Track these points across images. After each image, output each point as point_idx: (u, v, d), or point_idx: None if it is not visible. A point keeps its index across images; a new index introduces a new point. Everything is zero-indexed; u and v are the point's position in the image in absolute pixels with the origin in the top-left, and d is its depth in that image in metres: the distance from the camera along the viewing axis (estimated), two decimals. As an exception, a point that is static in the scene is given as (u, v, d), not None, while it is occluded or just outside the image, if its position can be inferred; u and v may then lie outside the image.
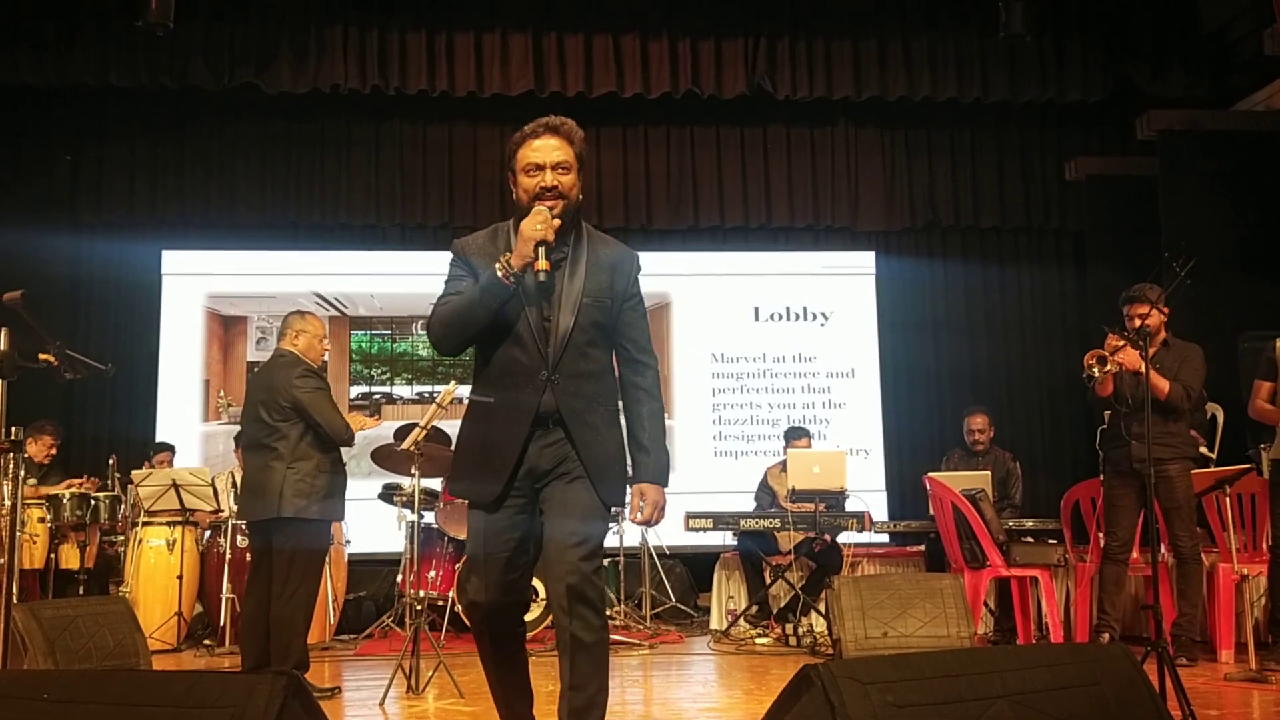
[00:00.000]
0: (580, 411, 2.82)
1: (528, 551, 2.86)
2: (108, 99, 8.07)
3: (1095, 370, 5.13)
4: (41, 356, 3.62)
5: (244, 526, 6.02)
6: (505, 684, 2.94)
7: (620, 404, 2.96)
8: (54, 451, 6.91)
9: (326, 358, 5.46)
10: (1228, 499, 5.56)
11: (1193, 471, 5.41)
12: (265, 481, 4.62)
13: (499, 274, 2.75)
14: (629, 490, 2.95)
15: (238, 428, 6.67)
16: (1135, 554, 5.65)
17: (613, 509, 2.86)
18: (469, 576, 2.91)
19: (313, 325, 4.94)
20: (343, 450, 4.84)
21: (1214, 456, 6.25)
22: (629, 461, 2.95)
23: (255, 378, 4.92)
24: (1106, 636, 5.29)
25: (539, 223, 2.74)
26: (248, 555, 5.54)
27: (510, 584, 2.83)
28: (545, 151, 2.89)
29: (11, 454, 3.51)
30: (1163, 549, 5.41)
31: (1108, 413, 5.58)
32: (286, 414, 4.66)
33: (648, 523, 2.94)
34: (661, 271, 8.82)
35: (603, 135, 8.73)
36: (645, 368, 2.96)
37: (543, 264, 2.73)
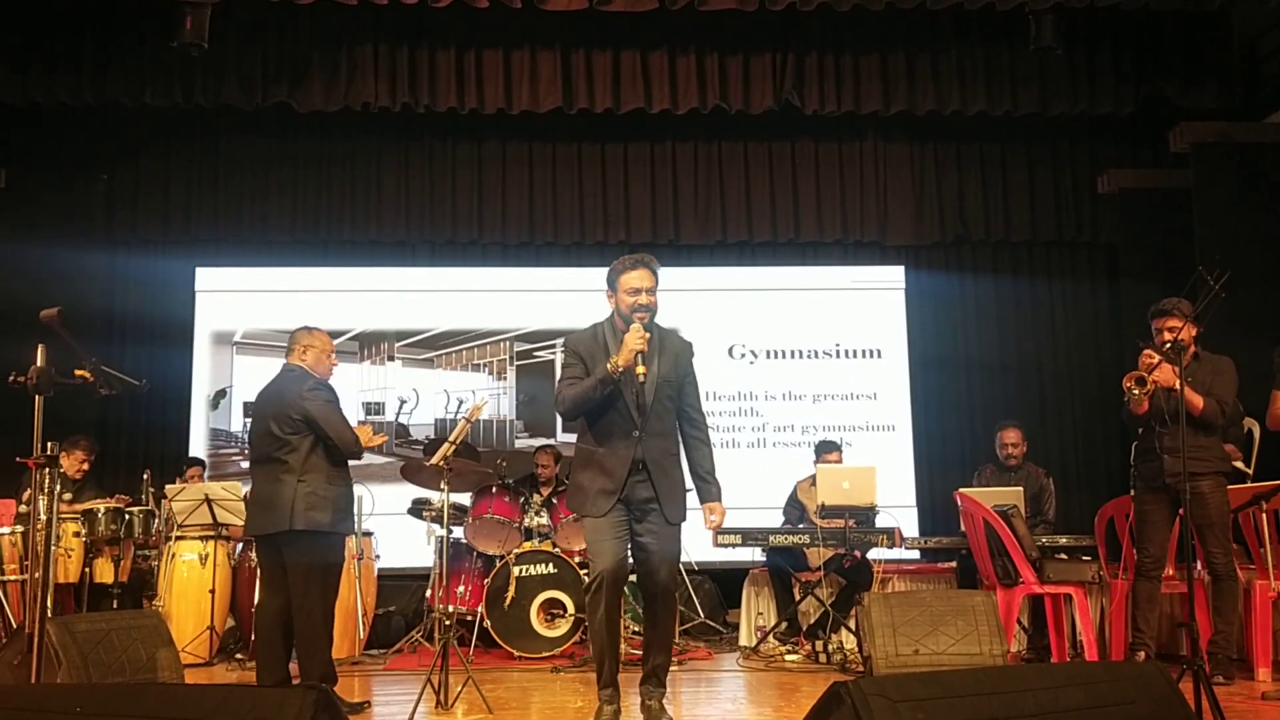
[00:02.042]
0: (658, 459, 4.16)
1: (624, 550, 4.14)
2: (143, 118, 8.18)
3: (1135, 391, 5.10)
4: (77, 372, 3.66)
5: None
6: (609, 644, 4.19)
7: (680, 448, 4.31)
8: (86, 467, 6.95)
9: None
10: (1265, 515, 5.47)
11: (1230, 487, 5.34)
12: (275, 495, 4.60)
13: (609, 369, 4.06)
14: (701, 508, 4.33)
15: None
16: (1170, 570, 5.58)
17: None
18: (594, 557, 4.16)
19: (320, 340, 4.91)
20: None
21: (1251, 472, 6.16)
22: (691, 487, 4.31)
23: (263, 393, 4.88)
24: (1142, 655, 5.22)
25: (639, 338, 4.04)
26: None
27: (620, 561, 4.12)
28: (642, 280, 4.19)
29: (47, 469, 3.56)
30: (1198, 565, 5.34)
31: (1141, 428, 5.52)
32: (297, 427, 4.64)
33: (718, 529, 4.44)
34: (690, 287, 8.83)
35: (630, 151, 8.77)
36: (700, 423, 4.36)
37: (641, 369, 4.06)
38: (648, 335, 4.06)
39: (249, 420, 8.31)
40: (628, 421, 4.15)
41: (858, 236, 8.83)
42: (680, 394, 4.29)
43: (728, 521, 6.87)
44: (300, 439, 4.65)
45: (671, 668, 6.05)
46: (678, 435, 4.30)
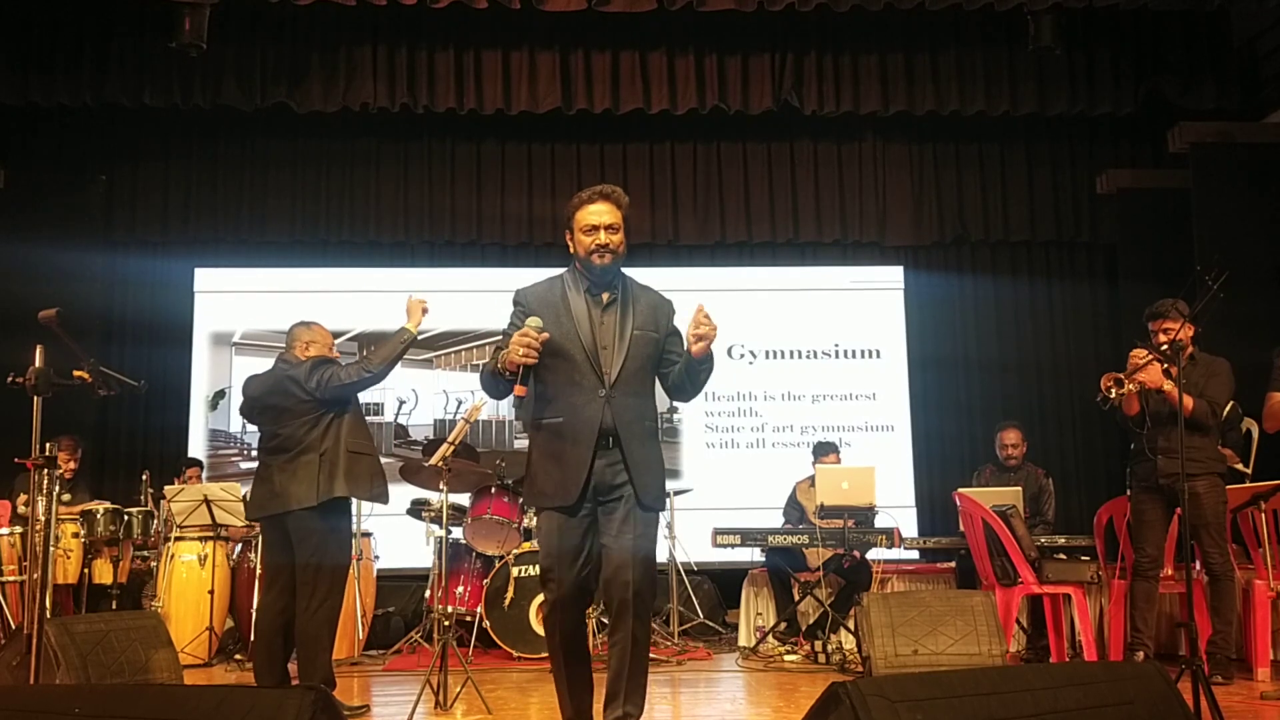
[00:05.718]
0: (631, 424, 3.28)
1: (590, 556, 3.28)
2: (142, 119, 8.18)
3: (1112, 392, 5.06)
4: (76, 373, 3.66)
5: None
6: (571, 676, 3.33)
7: (657, 420, 3.46)
8: (73, 465, 6.89)
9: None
10: (1263, 515, 5.47)
11: (1230, 487, 5.34)
12: (295, 474, 4.51)
13: (498, 365, 3.26)
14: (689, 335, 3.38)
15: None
16: (1169, 570, 5.58)
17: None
18: (545, 576, 3.31)
19: (321, 335, 4.86)
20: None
21: (1249, 472, 6.16)
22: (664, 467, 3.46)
23: (264, 382, 4.75)
24: (1140, 655, 5.22)
25: (520, 348, 3.15)
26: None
27: (579, 581, 3.27)
28: (600, 215, 3.34)
29: (45, 470, 3.56)
30: (1196, 566, 5.34)
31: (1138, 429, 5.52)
32: (310, 407, 4.58)
33: (704, 325, 3.30)
34: (689, 287, 8.81)
35: (629, 152, 8.77)
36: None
37: (520, 389, 3.21)
38: (541, 337, 3.19)
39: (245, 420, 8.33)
40: (591, 376, 3.26)
41: (857, 237, 8.83)
42: (665, 352, 3.45)
43: (727, 522, 7.00)
44: (316, 417, 4.57)
45: (671, 668, 6.09)
46: (655, 403, 3.43)
